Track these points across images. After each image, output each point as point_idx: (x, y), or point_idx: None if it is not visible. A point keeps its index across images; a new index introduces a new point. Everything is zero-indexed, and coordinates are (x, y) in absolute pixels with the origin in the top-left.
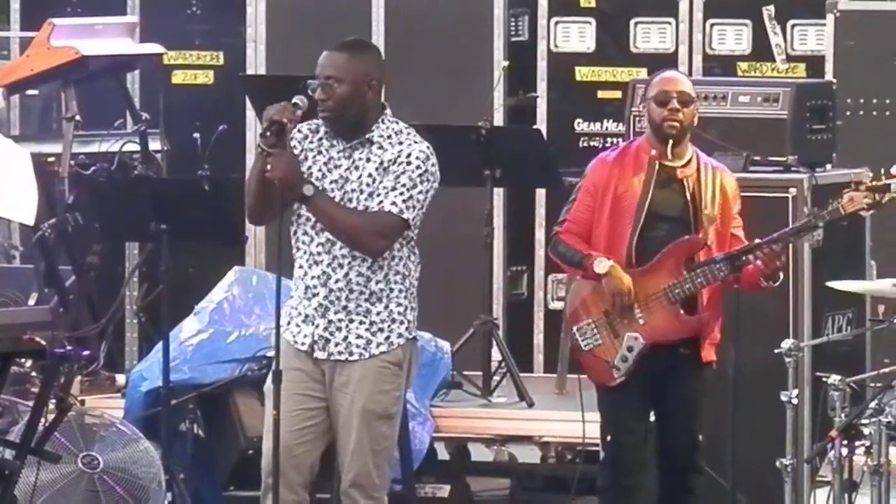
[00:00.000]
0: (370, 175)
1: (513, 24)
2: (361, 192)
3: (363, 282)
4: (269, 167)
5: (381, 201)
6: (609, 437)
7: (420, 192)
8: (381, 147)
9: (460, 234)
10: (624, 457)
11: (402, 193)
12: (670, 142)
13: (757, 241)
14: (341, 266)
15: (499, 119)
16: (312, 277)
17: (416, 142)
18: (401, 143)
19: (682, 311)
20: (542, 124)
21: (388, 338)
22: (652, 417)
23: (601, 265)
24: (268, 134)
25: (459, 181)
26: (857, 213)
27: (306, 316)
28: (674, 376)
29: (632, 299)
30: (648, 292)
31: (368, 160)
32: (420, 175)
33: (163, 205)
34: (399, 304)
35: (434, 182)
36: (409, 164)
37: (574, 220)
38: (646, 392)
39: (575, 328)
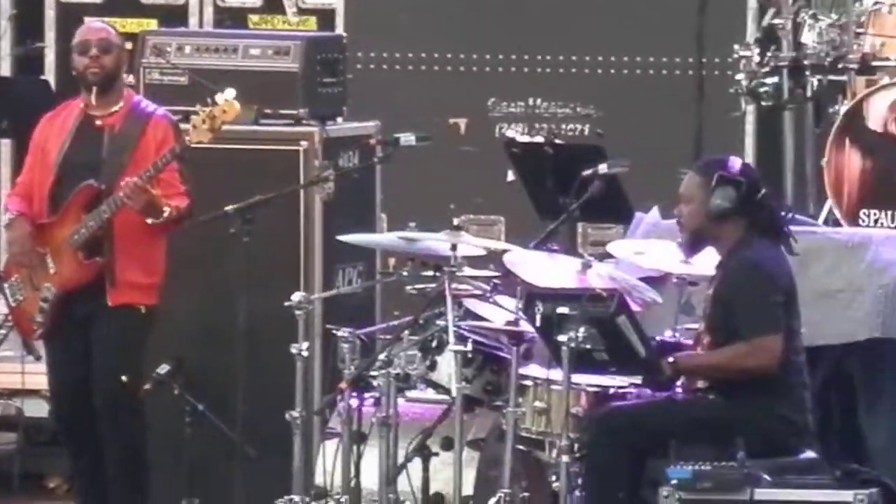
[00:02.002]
0: None
1: None
2: None
3: None
4: None
5: None
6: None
7: None
8: None
9: None
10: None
11: None
12: (94, 89)
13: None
14: None
15: (6, 69)
16: None
17: None
18: None
19: (81, 256)
20: (49, 74)
21: None
22: None
23: (3, 218)
24: None
25: None
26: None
27: None
28: (93, 322)
29: (24, 248)
30: (58, 242)
31: None
32: None
33: None
34: None
35: None
36: None
37: (21, 182)
38: (77, 340)
39: (6, 284)
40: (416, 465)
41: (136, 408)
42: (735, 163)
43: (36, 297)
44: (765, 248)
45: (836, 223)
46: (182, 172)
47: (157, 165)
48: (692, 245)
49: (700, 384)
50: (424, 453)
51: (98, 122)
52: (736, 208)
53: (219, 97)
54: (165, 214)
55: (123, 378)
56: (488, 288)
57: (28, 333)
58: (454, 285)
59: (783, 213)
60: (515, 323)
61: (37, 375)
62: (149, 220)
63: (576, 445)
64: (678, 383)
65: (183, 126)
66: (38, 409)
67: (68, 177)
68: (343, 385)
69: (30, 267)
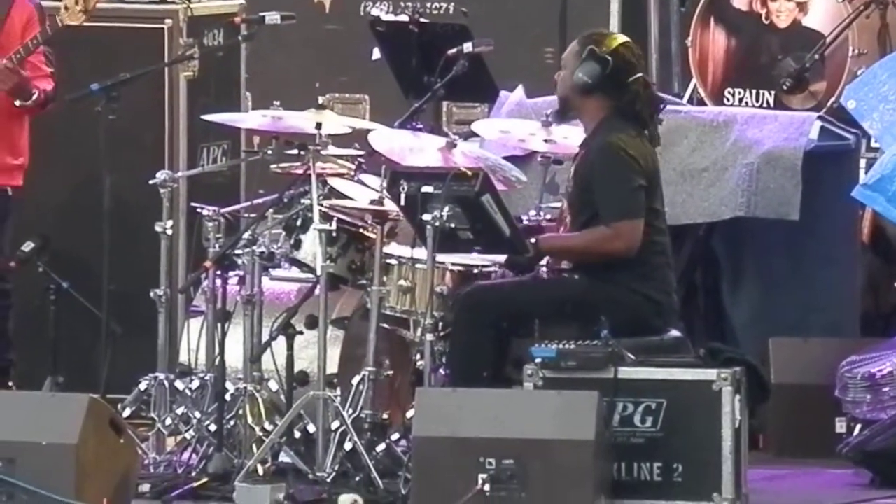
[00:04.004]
0: None
1: None
2: None
3: None
4: None
5: None
6: None
7: None
8: None
9: None
10: None
11: None
12: None
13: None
14: None
15: None
16: None
17: None
18: None
19: None
20: None
21: None
22: None
23: None
24: None
25: None
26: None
27: None
28: None
29: None
30: None
31: None
32: None
33: None
34: None
35: None
36: None
37: None
38: None
39: None
40: (280, 343)
41: (3, 287)
42: (612, 41)
43: None
44: (627, 131)
45: (701, 102)
46: (47, 55)
47: (27, 47)
48: (561, 112)
49: (564, 265)
50: (289, 332)
51: None
52: (598, 85)
53: None
54: (35, 96)
55: None
56: (353, 167)
57: None
58: (319, 164)
59: (653, 105)
60: (380, 202)
61: None
62: (17, 103)
63: (440, 324)
64: (543, 263)
65: (47, 6)
66: None
67: None
68: (207, 263)
69: None
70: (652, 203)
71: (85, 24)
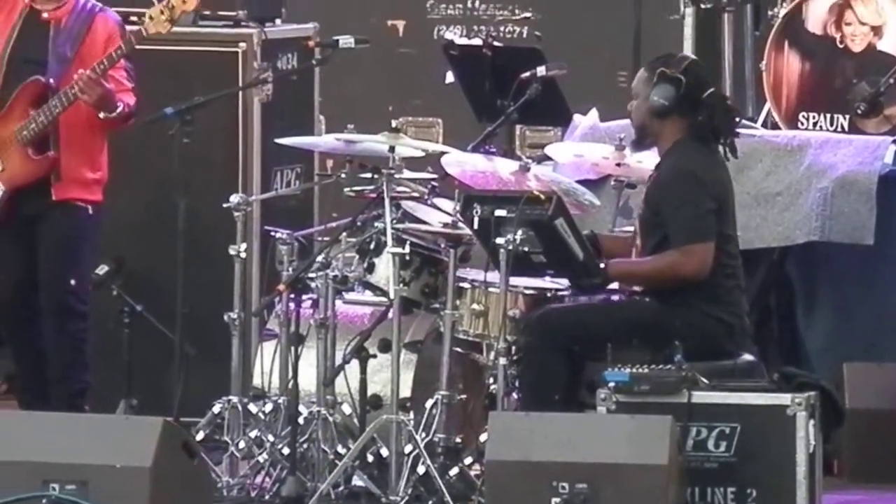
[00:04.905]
0: None
1: None
2: None
3: None
4: None
5: None
6: None
7: None
8: None
9: None
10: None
11: None
12: None
13: (81, 71)
14: None
15: None
16: None
17: None
18: None
19: (31, 152)
20: None
21: None
22: None
23: None
24: None
25: None
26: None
27: None
28: (40, 220)
29: None
30: (4, 138)
31: None
32: None
33: None
34: None
35: None
36: None
37: None
38: (23, 239)
39: None
40: (353, 366)
41: (81, 309)
42: (681, 61)
43: None
44: (699, 153)
45: (775, 126)
46: (129, 71)
47: (110, 58)
48: (638, 141)
49: (636, 287)
50: (362, 355)
51: (45, 16)
52: (674, 106)
53: None
54: (119, 109)
55: (72, 282)
56: (426, 190)
57: None
58: (392, 187)
59: (731, 118)
60: (453, 225)
61: None
62: (101, 115)
63: (513, 348)
64: (614, 286)
65: (129, 27)
66: None
67: (13, 72)
68: (281, 287)
69: None
70: (723, 227)
71: (161, 47)
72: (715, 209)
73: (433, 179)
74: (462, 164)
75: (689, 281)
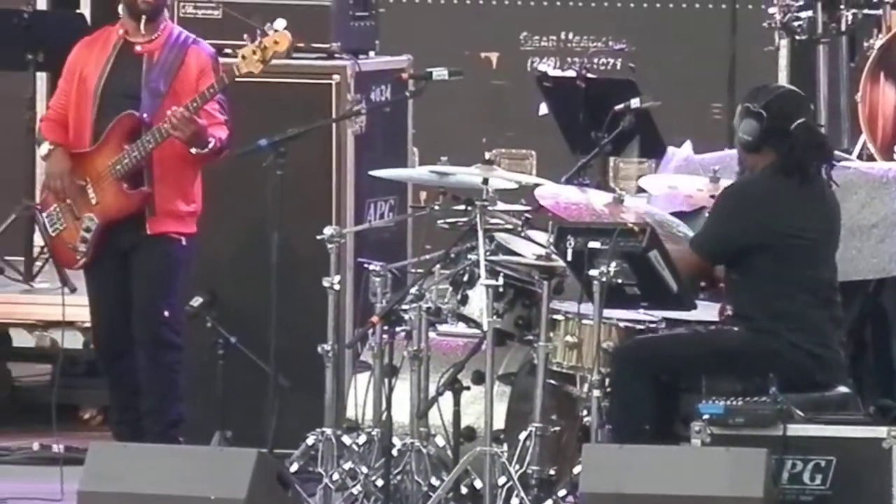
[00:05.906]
0: None
1: None
2: None
3: None
4: None
5: None
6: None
7: None
8: None
9: (2, 119)
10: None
11: None
12: (143, 18)
13: (174, 108)
14: None
15: (42, 2)
16: None
17: None
18: None
19: (125, 187)
20: (85, 8)
21: None
22: None
23: (42, 148)
24: None
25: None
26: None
27: None
28: (135, 253)
29: (64, 181)
30: (98, 172)
31: None
32: None
33: None
34: None
35: None
36: None
37: (54, 108)
38: (118, 271)
39: (44, 214)
40: (447, 398)
41: (176, 341)
42: (769, 93)
43: (77, 226)
44: (769, 180)
45: (871, 158)
46: (222, 104)
47: (203, 95)
48: (740, 174)
49: (729, 311)
50: (455, 387)
51: (138, 49)
52: (760, 140)
53: (269, 28)
54: (211, 144)
55: (166, 313)
56: (520, 222)
57: (69, 263)
58: (486, 219)
59: (819, 149)
60: (547, 257)
61: (72, 307)
62: (193, 150)
63: (607, 380)
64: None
65: (222, 60)
66: (73, 340)
67: (108, 105)
68: (375, 319)
69: (69, 198)
70: (811, 258)
71: (254, 79)
72: (746, 242)
73: (527, 211)
74: (556, 195)
75: (698, 275)
